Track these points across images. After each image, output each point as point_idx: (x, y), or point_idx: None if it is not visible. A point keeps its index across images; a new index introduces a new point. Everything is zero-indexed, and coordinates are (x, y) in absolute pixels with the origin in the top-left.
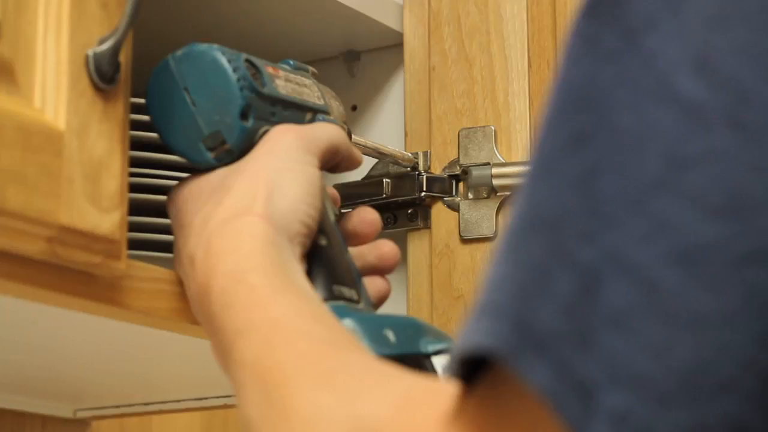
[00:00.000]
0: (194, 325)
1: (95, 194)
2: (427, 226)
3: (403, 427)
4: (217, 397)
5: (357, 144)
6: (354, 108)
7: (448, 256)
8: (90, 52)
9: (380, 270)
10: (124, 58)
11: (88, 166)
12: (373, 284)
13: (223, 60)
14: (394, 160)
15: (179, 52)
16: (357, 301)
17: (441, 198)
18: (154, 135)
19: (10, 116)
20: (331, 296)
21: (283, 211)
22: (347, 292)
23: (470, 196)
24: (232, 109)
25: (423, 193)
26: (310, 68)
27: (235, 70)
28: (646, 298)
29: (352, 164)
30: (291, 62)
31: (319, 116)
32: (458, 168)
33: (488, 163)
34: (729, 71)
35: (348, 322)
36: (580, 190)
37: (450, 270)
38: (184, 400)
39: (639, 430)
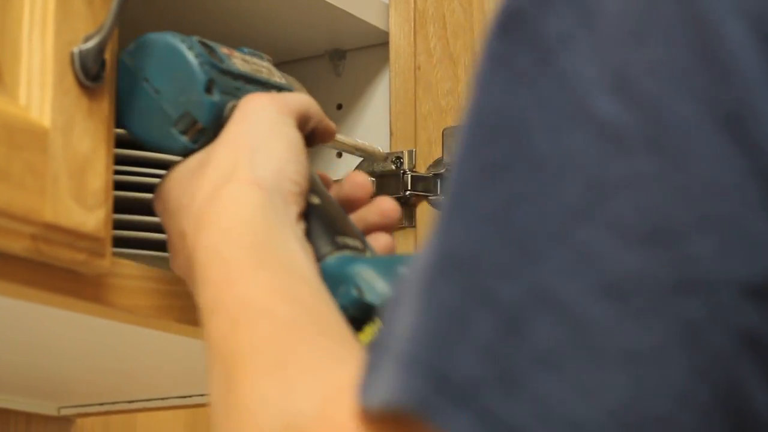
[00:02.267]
0: (179, 323)
1: (80, 192)
2: (412, 224)
3: (324, 425)
4: (202, 395)
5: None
6: (339, 107)
7: None
8: (75, 50)
9: (383, 227)
10: (110, 55)
11: (73, 163)
12: (377, 242)
13: (177, 41)
14: (365, 154)
15: (131, 46)
16: (363, 250)
17: (426, 197)
18: None
19: None
20: (336, 247)
21: (271, 171)
22: (351, 242)
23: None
24: (197, 86)
25: (408, 192)
26: (266, 55)
27: (190, 48)
28: (574, 335)
29: (327, 133)
30: (245, 49)
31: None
32: (443, 167)
33: None
34: (647, 91)
35: (361, 266)
36: (498, 224)
37: None
38: (168, 398)
39: None
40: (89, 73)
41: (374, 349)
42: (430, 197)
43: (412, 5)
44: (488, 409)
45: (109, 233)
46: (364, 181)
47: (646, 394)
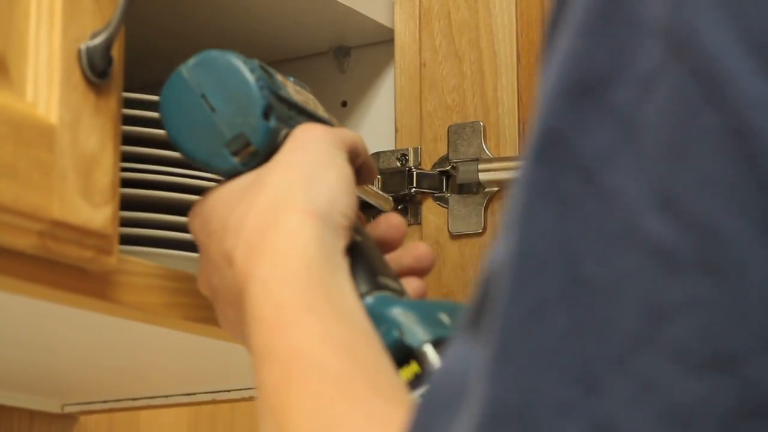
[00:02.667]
0: (186, 321)
1: (87, 189)
2: (417, 222)
3: None
4: (205, 393)
5: None
6: (344, 104)
7: (437, 252)
8: (83, 46)
9: (417, 271)
10: (117, 52)
11: (80, 160)
12: (409, 286)
13: (239, 62)
14: (373, 201)
15: (191, 61)
16: (401, 293)
17: (431, 194)
18: (145, 130)
19: (2, 110)
20: (376, 287)
21: (325, 202)
22: (392, 283)
23: (459, 192)
24: (255, 109)
25: (413, 189)
26: (308, 87)
27: (252, 71)
28: None
29: (370, 173)
30: (292, 78)
31: (337, 128)
32: (448, 164)
33: (476, 159)
34: (695, 208)
35: (403, 308)
36: (553, 362)
37: (439, 266)
38: (172, 395)
39: None
40: (96, 69)
41: None
42: (435, 194)
43: (417, 2)
44: None
45: (116, 230)
46: (399, 223)
47: None
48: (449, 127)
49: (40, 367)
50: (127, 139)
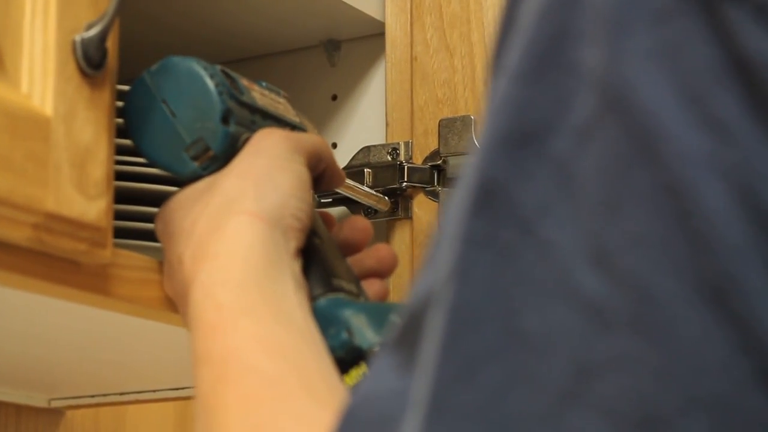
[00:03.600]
0: (179, 315)
1: (82, 181)
2: (408, 216)
3: None
4: (193, 388)
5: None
6: (334, 98)
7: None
8: (78, 38)
9: (379, 273)
10: (111, 44)
11: (74, 152)
12: (371, 288)
13: (200, 68)
14: (372, 202)
15: (154, 67)
16: (357, 295)
17: (422, 188)
18: None
19: None
20: (330, 289)
21: (274, 205)
22: (347, 285)
23: (450, 186)
24: (213, 114)
25: (404, 184)
26: (282, 91)
27: (212, 76)
28: None
29: (335, 178)
30: (264, 83)
31: (298, 132)
32: (439, 158)
33: (467, 153)
34: (627, 265)
35: (353, 310)
36: (484, 417)
37: None
38: (160, 390)
39: None
40: (91, 61)
41: None
42: (426, 188)
43: None
44: None
45: (110, 223)
46: (364, 226)
47: None
48: (440, 121)
49: (28, 359)
50: (121, 132)
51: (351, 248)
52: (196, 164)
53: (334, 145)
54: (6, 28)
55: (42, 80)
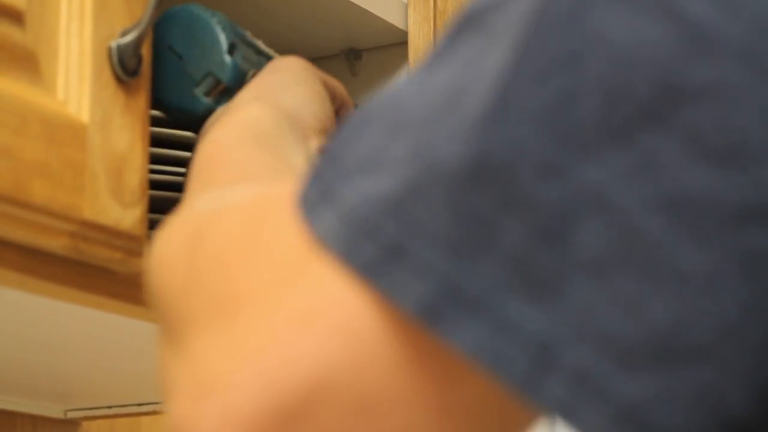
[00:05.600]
0: None
1: (118, 189)
2: None
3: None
4: None
5: None
6: (355, 107)
7: None
8: (113, 44)
9: None
10: (146, 50)
11: (110, 160)
12: None
13: (200, 10)
14: None
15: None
16: None
17: None
18: (173, 131)
19: (33, 108)
20: None
21: (292, 106)
22: None
23: None
24: (218, 46)
25: None
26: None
27: (212, 15)
28: (625, 244)
29: (348, 107)
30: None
31: None
32: None
33: None
34: (749, 3)
35: None
36: (546, 121)
37: None
38: None
39: (597, 392)
40: (127, 67)
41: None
42: None
43: (432, 4)
44: (506, 317)
45: (145, 231)
46: None
47: (693, 320)
48: None
49: (45, 368)
50: (154, 141)
51: None
52: (208, 100)
53: None
54: (42, 36)
55: (78, 87)
